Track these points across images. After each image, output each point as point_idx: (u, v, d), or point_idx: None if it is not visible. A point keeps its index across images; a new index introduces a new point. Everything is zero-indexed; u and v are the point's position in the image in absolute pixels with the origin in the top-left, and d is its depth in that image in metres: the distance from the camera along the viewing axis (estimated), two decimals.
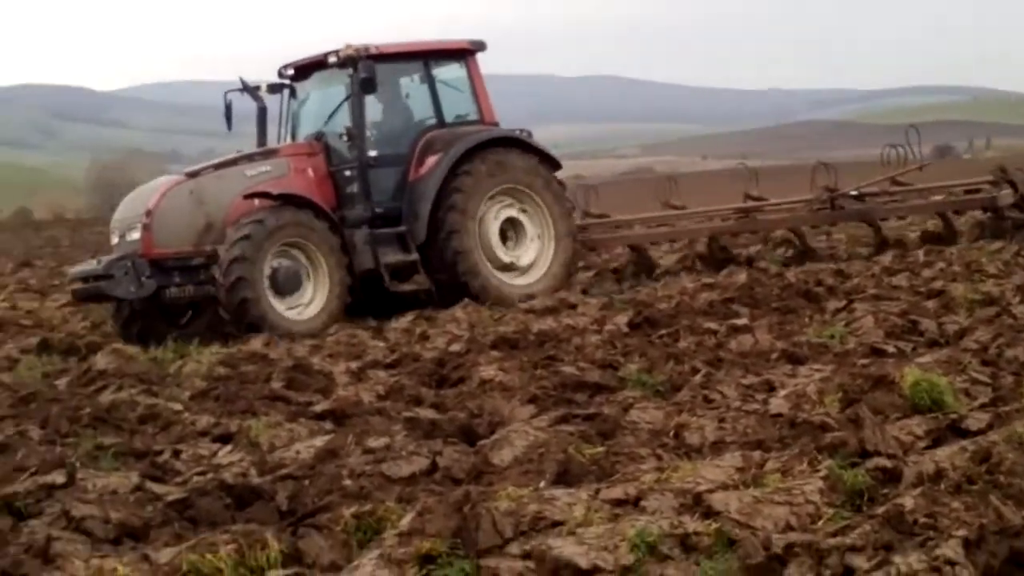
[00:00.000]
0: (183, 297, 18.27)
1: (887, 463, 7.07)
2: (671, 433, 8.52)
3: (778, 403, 9.13)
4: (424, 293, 19.02)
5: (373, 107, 19.77)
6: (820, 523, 6.19)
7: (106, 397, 12.42)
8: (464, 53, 20.32)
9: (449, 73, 20.43)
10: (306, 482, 8.06)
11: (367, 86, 18.81)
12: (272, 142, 20.66)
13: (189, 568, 6.42)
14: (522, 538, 6.34)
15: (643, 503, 6.71)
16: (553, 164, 20.39)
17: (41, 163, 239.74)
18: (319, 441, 9.30)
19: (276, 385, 12.46)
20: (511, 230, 19.90)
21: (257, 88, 20.39)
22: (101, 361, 15.25)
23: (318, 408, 11.05)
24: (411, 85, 20.42)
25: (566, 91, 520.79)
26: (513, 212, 19.78)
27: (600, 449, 8.25)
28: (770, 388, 9.94)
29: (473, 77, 20.25)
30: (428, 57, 20.11)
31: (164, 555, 6.69)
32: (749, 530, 5.99)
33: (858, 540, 5.58)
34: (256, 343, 16.52)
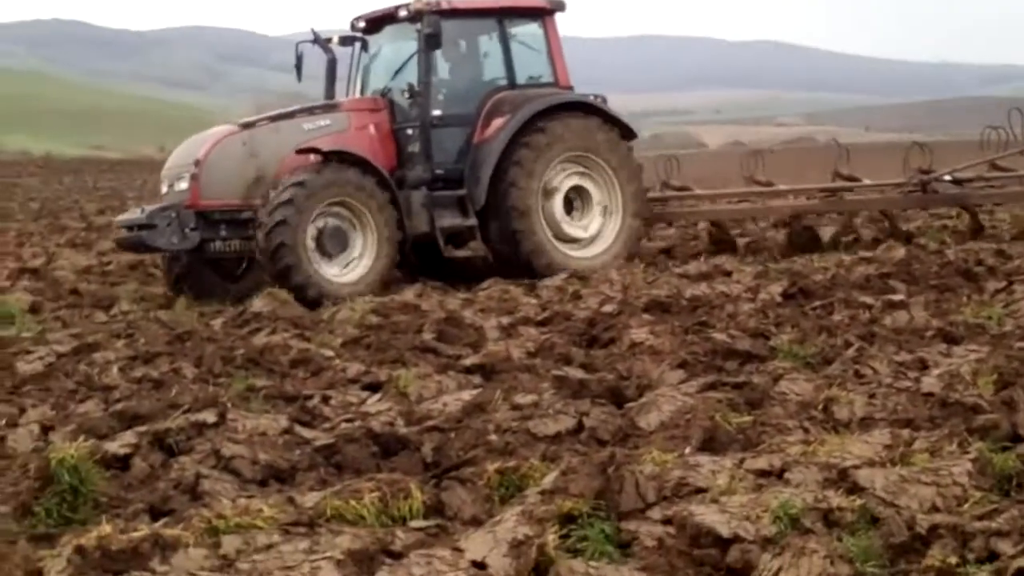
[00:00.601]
0: (228, 252, 17.90)
1: None
2: (820, 406, 8.43)
3: (930, 382, 8.99)
4: (481, 260, 18.77)
5: (441, 64, 19.24)
6: (966, 506, 6.11)
7: (260, 340, 12.60)
8: (542, 12, 19.53)
9: (525, 32, 19.64)
10: (452, 435, 8.12)
11: (432, 42, 18.19)
12: (342, 96, 20.19)
13: (333, 513, 6.50)
14: (664, 503, 6.35)
15: (787, 475, 6.67)
16: (627, 133, 19.74)
17: (207, 104, 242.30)
18: (467, 395, 9.36)
19: (427, 336, 12.54)
20: (577, 199, 19.21)
21: (328, 40, 20.00)
22: (257, 304, 15.50)
23: (467, 362, 11.11)
24: (484, 43, 19.80)
25: (729, 55, 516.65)
26: (580, 180, 19.09)
27: (747, 418, 8.21)
28: (923, 366, 9.80)
29: (550, 38, 19.48)
30: (503, 15, 19.28)
31: (309, 499, 6.78)
32: (894, 509, 5.94)
33: (1004, 525, 5.52)
34: (409, 293, 16.63)
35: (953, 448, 6.92)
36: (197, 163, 17.44)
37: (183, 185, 17.54)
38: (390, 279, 17.75)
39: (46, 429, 9.14)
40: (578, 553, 5.69)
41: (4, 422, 9.49)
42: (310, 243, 17.05)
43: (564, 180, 18.76)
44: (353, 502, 6.57)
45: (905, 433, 7.45)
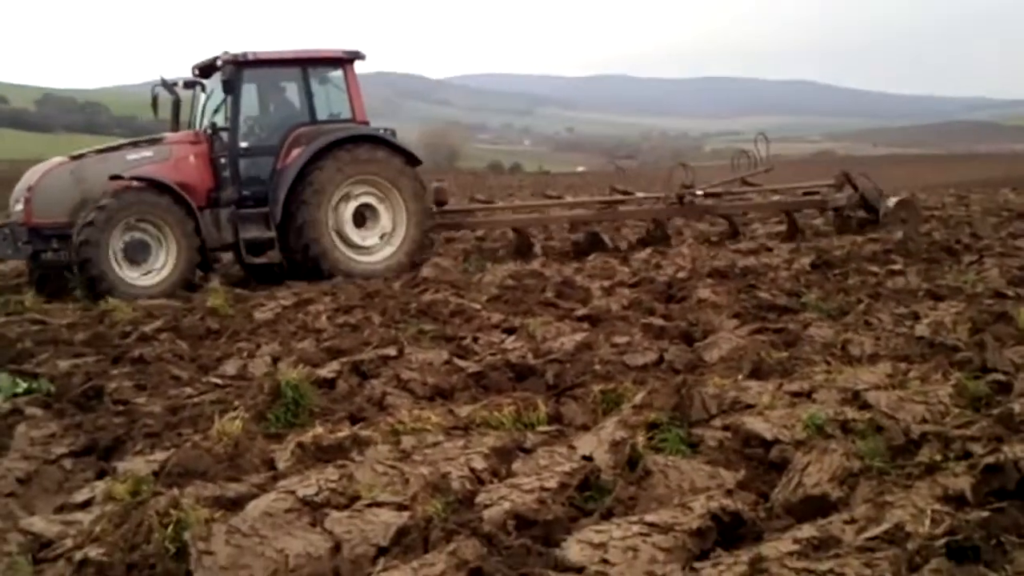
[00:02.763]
0: (59, 261, 15.87)
1: (1002, 377, 6.87)
2: (839, 346, 8.36)
3: (921, 328, 8.89)
4: (277, 267, 16.83)
5: (249, 104, 17.29)
6: (948, 419, 6.04)
7: (427, 296, 12.69)
8: (341, 62, 17.64)
9: (330, 77, 17.77)
10: (567, 365, 8.14)
11: (227, 87, 16.53)
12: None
13: (481, 420, 6.57)
14: (723, 415, 6.35)
15: (814, 396, 6.64)
16: (411, 160, 17.61)
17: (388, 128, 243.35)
18: (578, 336, 9.36)
19: (548, 294, 12.56)
20: (370, 214, 17.25)
21: (175, 84, 17.96)
22: (425, 271, 15.64)
23: (578, 313, 11.10)
24: (288, 86, 17.79)
25: (770, 90, 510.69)
26: (368, 199, 17.18)
27: (784, 354, 8.16)
28: (916, 317, 9.68)
29: (349, 81, 17.59)
30: (306, 63, 17.39)
31: (464, 410, 6.86)
32: (893, 420, 5.89)
33: (976, 432, 5.46)
34: (536, 263, 16.65)
35: (938, 377, 6.86)
36: (30, 189, 15.87)
37: (19, 207, 16.00)
38: (192, 280, 16.12)
39: (275, 359, 9.30)
40: (660, 450, 5.70)
41: (246, 354, 9.67)
42: (118, 254, 15.53)
43: (353, 199, 17.04)
44: (495, 413, 6.63)
45: (903, 366, 7.39)
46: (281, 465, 5.98)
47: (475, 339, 9.69)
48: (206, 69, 17.53)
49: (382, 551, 4.59)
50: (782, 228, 20.97)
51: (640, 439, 5.75)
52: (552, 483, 5.18)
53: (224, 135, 16.79)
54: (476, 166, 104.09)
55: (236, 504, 5.22)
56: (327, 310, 12.14)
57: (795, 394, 6.74)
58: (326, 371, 8.27)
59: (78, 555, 4.61)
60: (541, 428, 6.49)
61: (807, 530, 4.44)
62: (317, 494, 5.20)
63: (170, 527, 4.67)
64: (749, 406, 6.47)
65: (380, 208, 17.23)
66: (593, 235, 19.32)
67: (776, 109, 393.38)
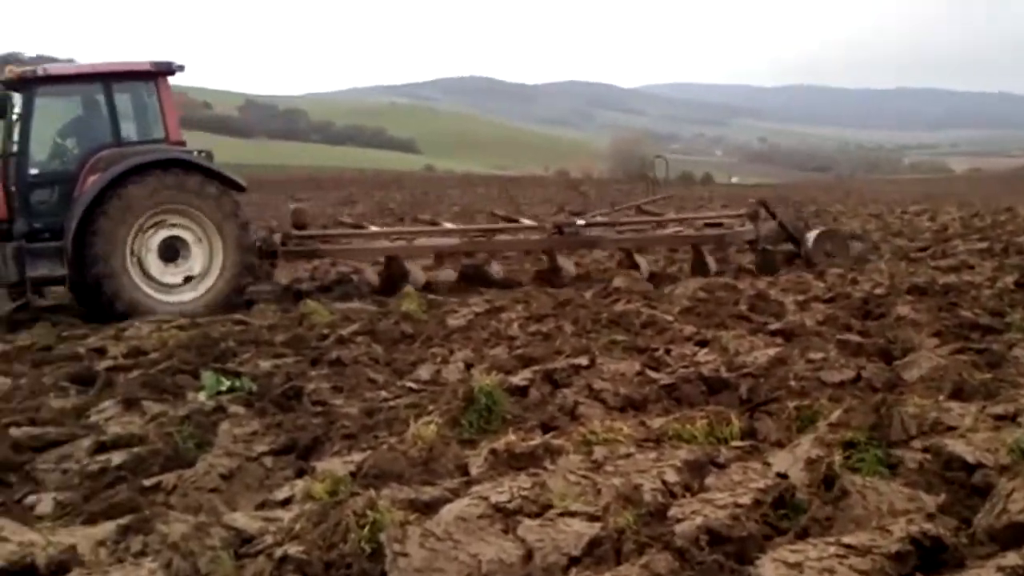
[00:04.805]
0: None
1: None
2: None
3: None
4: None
5: (45, 126, 15.36)
6: None
7: (618, 307, 12.67)
8: (150, 75, 15.50)
9: (138, 93, 15.75)
10: (761, 380, 8.03)
11: (17, 108, 14.88)
12: None
13: (673, 433, 6.52)
14: (923, 436, 6.15)
15: (1019, 419, 6.40)
16: (231, 186, 15.49)
17: (577, 138, 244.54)
18: (771, 351, 9.22)
19: (742, 307, 12.40)
20: (183, 247, 15.15)
21: None
22: (617, 281, 15.60)
23: (772, 327, 10.94)
24: (89, 105, 15.70)
25: (968, 103, 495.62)
26: (177, 231, 15.08)
27: (987, 376, 7.89)
28: None
29: (161, 97, 15.53)
30: (108, 79, 15.30)
31: (656, 422, 6.82)
32: None
33: None
34: (727, 276, 16.47)
35: None
36: None
37: None
38: None
39: (468, 366, 9.42)
40: (857, 470, 5.57)
41: (439, 359, 9.81)
42: None
43: (159, 231, 14.98)
44: (688, 426, 6.57)
45: None
46: (474, 471, 6.04)
47: (667, 351, 9.62)
48: (13, 83, 15.21)
49: (574, 561, 4.59)
50: (983, 245, 20.19)
51: (837, 458, 5.62)
52: (746, 499, 5.11)
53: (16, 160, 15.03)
54: (667, 176, 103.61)
55: (430, 508, 5.29)
56: (519, 318, 12.22)
57: (999, 417, 6.50)
58: (518, 379, 8.32)
59: (278, 552, 4.73)
60: (734, 443, 6.41)
61: (1012, 558, 4.27)
62: (510, 501, 5.23)
63: (366, 528, 4.76)
64: (951, 428, 6.26)
65: (191, 241, 15.16)
66: (475, 267, 17.39)
67: (974, 121, 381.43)
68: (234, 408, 8.00)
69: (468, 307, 13.41)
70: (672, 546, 4.55)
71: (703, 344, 9.96)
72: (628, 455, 6.04)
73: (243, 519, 5.37)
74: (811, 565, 4.33)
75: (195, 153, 15.66)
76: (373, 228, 18.89)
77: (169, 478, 6.25)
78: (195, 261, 15.15)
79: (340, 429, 7.19)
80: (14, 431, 7.56)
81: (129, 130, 15.55)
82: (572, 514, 4.97)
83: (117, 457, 6.76)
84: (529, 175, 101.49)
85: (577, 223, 17.70)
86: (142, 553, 4.90)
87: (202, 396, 8.55)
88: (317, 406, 8.14)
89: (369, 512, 4.84)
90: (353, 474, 6.00)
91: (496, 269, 17.36)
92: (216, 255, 15.15)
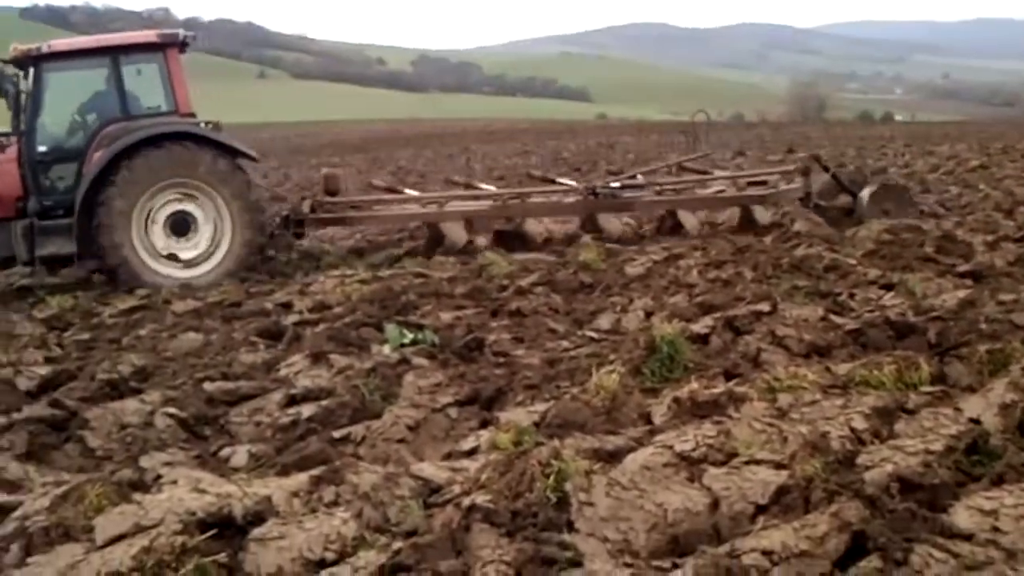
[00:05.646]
0: None
1: None
2: None
3: None
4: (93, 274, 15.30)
5: (53, 102, 15.23)
6: None
7: (799, 251, 12.44)
8: (155, 47, 15.25)
9: (147, 65, 15.37)
10: (951, 323, 7.80)
11: (27, 85, 14.90)
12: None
13: (860, 379, 6.40)
14: None
15: None
16: (240, 156, 15.18)
17: (752, 80, 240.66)
18: (961, 293, 8.98)
19: (928, 249, 12.04)
20: (193, 223, 14.90)
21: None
22: (797, 225, 15.27)
23: (960, 268, 10.64)
24: (96, 79, 15.45)
25: None
26: (184, 204, 14.86)
27: None
28: None
29: (170, 69, 15.26)
30: (114, 52, 15.13)
31: (841, 369, 6.70)
32: None
33: None
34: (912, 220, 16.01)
35: None
36: None
37: None
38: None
39: (648, 314, 9.38)
40: None
41: (619, 308, 9.80)
42: None
43: (166, 205, 14.77)
44: (875, 371, 6.45)
45: None
46: (657, 419, 6.04)
47: (851, 295, 9.41)
48: (19, 60, 15.26)
49: (761, 509, 4.56)
50: None
51: None
52: (937, 446, 4.99)
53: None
54: (844, 117, 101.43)
55: (614, 457, 5.30)
56: (698, 265, 12.10)
57: None
58: (699, 326, 8.26)
59: (466, 501, 4.81)
60: (924, 388, 6.25)
61: None
62: (694, 449, 5.21)
63: (551, 477, 4.80)
64: None
65: (199, 215, 14.96)
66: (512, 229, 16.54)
67: None
68: (418, 360, 8.12)
69: (646, 255, 13.33)
70: (862, 494, 4.48)
71: (888, 288, 9.73)
72: (814, 402, 5.96)
73: (430, 469, 5.47)
74: (1007, 512, 4.22)
75: (203, 125, 15.35)
76: (408, 192, 18.30)
77: (357, 430, 6.40)
78: (202, 237, 14.99)
79: (522, 379, 7.24)
80: (208, 385, 7.82)
81: (137, 103, 15.39)
82: (758, 462, 4.94)
83: (307, 410, 6.94)
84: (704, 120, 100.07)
85: (611, 184, 17.03)
86: (334, 503, 5.03)
87: (386, 349, 8.71)
88: (499, 357, 8.22)
89: (554, 461, 4.88)
90: (537, 424, 6.05)
91: (535, 229, 16.63)
92: (224, 232, 14.99)
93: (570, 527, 4.52)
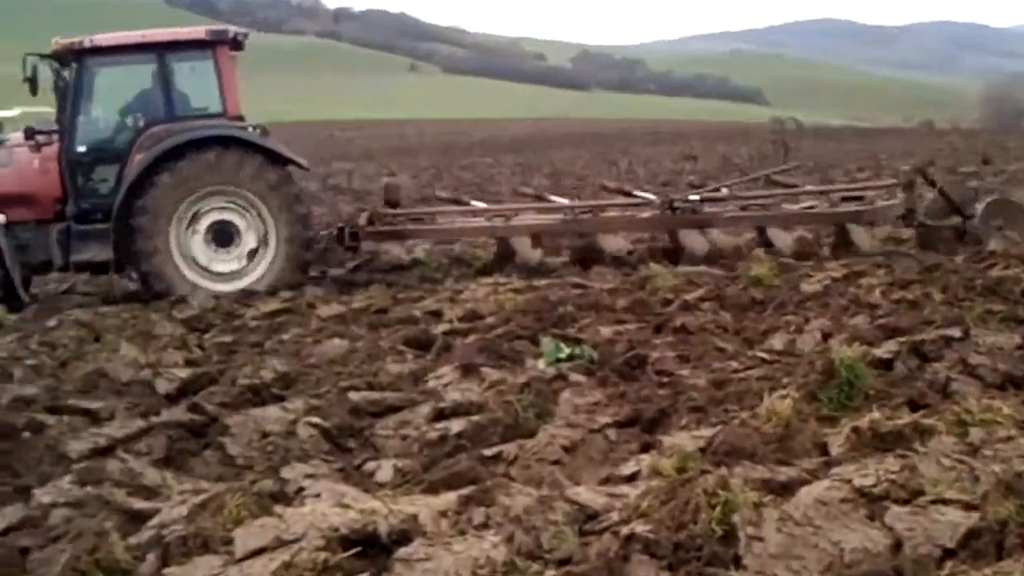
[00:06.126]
0: None
1: None
2: None
3: None
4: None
5: (94, 100, 15.35)
6: None
7: (995, 272, 12.11)
8: (205, 44, 15.31)
9: (197, 64, 15.51)
10: None
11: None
12: None
13: None
14: None
15: None
16: (283, 163, 15.13)
17: (943, 84, 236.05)
18: None
19: None
20: (236, 234, 14.92)
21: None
22: (992, 243, 14.82)
23: None
24: (141, 77, 15.53)
25: None
26: (225, 214, 14.85)
27: None
28: None
29: (220, 68, 15.24)
30: (160, 49, 15.14)
31: None
32: None
33: None
34: None
35: None
36: None
37: None
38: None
39: (825, 335, 9.23)
40: None
41: (793, 328, 9.68)
42: None
43: (208, 214, 14.83)
44: None
45: None
46: (834, 451, 5.94)
47: None
48: (60, 55, 15.35)
49: (949, 553, 4.47)
50: None
51: None
52: None
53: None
54: None
55: (786, 489, 5.24)
56: (881, 284, 11.88)
57: None
58: (882, 351, 8.10)
59: (624, 529, 4.79)
60: None
61: None
62: (875, 485, 5.11)
63: (718, 508, 4.76)
64: None
65: (242, 225, 14.97)
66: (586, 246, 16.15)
67: None
68: (575, 376, 8.14)
69: (824, 272, 13.15)
70: None
71: None
72: (1009, 438, 5.78)
73: (587, 494, 5.47)
74: None
75: (250, 130, 15.42)
76: (475, 204, 18.05)
77: (510, 448, 6.43)
78: (244, 249, 15.00)
79: (687, 401, 7.20)
80: (353, 395, 7.96)
81: (184, 104, 15.47)
82: (945, 502, 4.83)
83: (456, 425, 7.01)
84: (887, 127, 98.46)
85: (690, 198, 16.47)
86: (484, 525, 5.06)
87: (541, 363, 8.75)
88: (662, 376, 8.19)
89: (721, 492, 4.84)
90: (702, 450, 6.00)
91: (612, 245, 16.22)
92: (268, 246, 14.97)
93: (737, 563, 4.48)
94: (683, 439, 6.31)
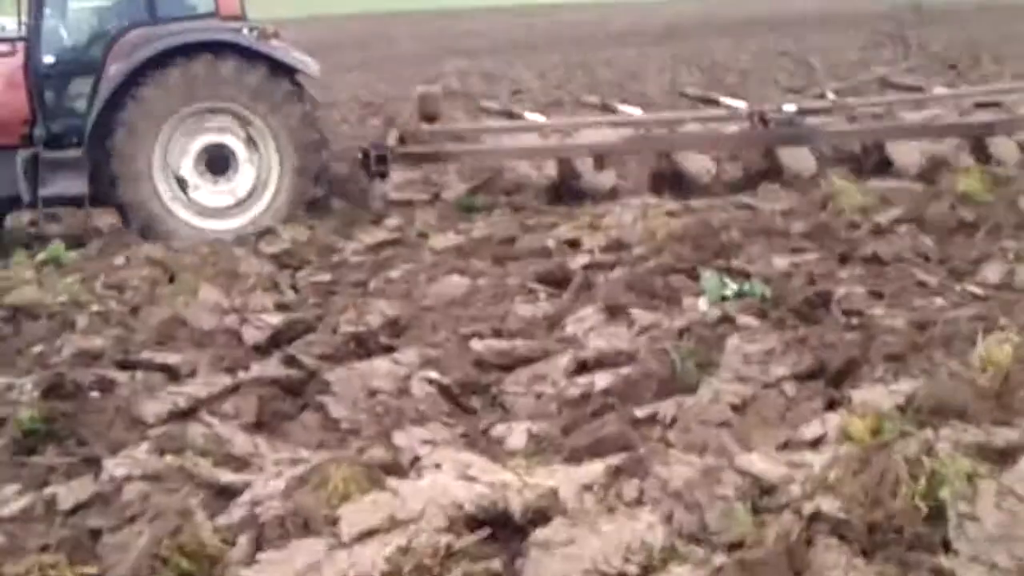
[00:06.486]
0: None
1: None
2: None
3: None
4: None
5: (69, 1, 14.88)
6: None
7: None
8: None
9: None
10: None
11: None
12: None
13: None
14: None
15: None
16: (292, 73, 14.39)
17: None
18: None
19: None
20: (232, 161, 14.37)
21: None
22: None
23: None
24: None
25: None
26: (224, 138, 14.34)
27: None
28: None
29: None
30: None
31: None
32: None
33: None
34: None
35: None
36: None
37: None
38: None
39: None
40: None
41: (1011, 256, 9.53)
42: None
43: (198, 136, 14.33)
44: None
45: None
46: None
47: None
48: None
49: None
50: None
51: None
52: None
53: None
54: None
55: (1006, 456, 5.16)
56: None
57: None
58: None
59: (807, 507, 4.76)
60: None
61: None
62: None
63: (922, 480, 4.71)
64: None
65: (240, 152, 14.49)
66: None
67: None
68: (744, 319, 8.11)
69: None
70: None
71: None
72: None
73: (761, 463, 5.46)
74: None
75: (247, 32, 14.80)
76: (528, 117, 17.81)
77: (666, 407, 6.44)
78: (243, 177, 14.62)
79: (882, 348, 7.14)
80: (476, 344, 8.02)
81: (168, 3, 14.94)
82: None
83: (601, 379, 7.02)
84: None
85: (785, 108, 16.17)
86: (637, 501, 5.09)
87: (703, 303, 8.72)
88: (850, 317, 8.13)
89: (925, 460, 4.79)
90: (902, 408, 5.94)
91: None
92: (269, 176, 14.55)
93: (946, 548, 4.45)
94: (877, 394, 6.25)
